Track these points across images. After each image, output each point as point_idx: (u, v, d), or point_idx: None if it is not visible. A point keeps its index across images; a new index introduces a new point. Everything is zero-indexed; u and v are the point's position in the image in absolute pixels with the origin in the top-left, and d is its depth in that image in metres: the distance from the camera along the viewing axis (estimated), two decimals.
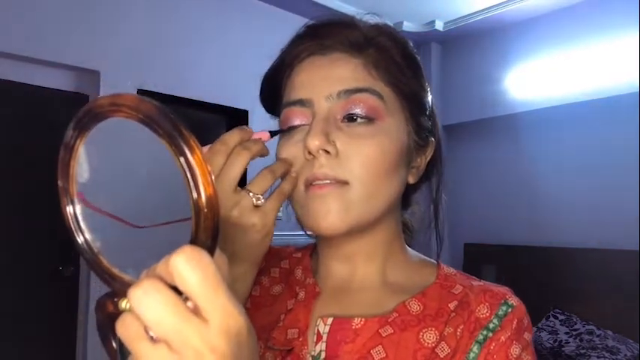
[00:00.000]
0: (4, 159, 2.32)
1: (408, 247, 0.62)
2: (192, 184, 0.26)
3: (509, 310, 0.53)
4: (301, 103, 0.53)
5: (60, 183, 0.31)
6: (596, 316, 2.60)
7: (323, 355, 0.53)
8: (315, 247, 0.64)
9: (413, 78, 0.56)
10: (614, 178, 2.75)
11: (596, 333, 2.49)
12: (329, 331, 0.54)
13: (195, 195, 0.27)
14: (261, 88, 0.61)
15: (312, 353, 0.54)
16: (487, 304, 0.53)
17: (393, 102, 0.54)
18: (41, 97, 2.39)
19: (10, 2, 2.15)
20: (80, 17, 2.33)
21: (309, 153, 0.51)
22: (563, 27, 2.92)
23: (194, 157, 0.27)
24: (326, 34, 0.55)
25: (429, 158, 0.59)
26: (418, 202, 0.64)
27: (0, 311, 2.29)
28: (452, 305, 0.54)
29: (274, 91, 0.58)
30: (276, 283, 0.61)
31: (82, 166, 0.31)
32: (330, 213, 0.51)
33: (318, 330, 0.54)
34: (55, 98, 2.42)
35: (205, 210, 0.27)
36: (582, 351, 2.37)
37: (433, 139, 0.60)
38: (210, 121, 2.82)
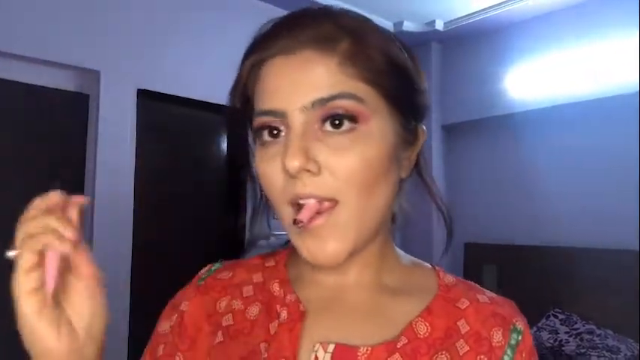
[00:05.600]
0: (3, 159, 2.32)
1: (397, 248, 0.58)
2: None
3: (520, 338, 0.53)
4: (274, 114, 0.48)
5: None
6: (596, 316, 2.60)
7: None
8: (291, 250, 0.57)
9: (395, 65, 0.49)
10: (614, 178, 2.75)
11: (596, 332, 2.49)
12: (331, 359, 0.49)
13: None
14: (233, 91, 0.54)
15: None
16: (499, 328, 0.53)
17: (374, 100, 0.48)
18: (41, 97, 2.39)
19: (10, 2, 2.15)
20: (80, 17, 2.33)
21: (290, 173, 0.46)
22: (563, 27, 2.92)
23: None
24: (295, 29, 0.49)
25: (420, 147, 0.55)
26: (406, 192, 0.58)
27: None
28: (460, 324, 0.52)
29: (244, 93, 0.52)
30: (251, 303, 0.54)
31: None
32: (327, 248, 0.47)
33: (316, 356, 0.49)
34: (55, 98, 2.42)
35: None
36: (582, 350, 2.37)
37: (424, 127, 0.55)
38: (210, 121, 2.82)
